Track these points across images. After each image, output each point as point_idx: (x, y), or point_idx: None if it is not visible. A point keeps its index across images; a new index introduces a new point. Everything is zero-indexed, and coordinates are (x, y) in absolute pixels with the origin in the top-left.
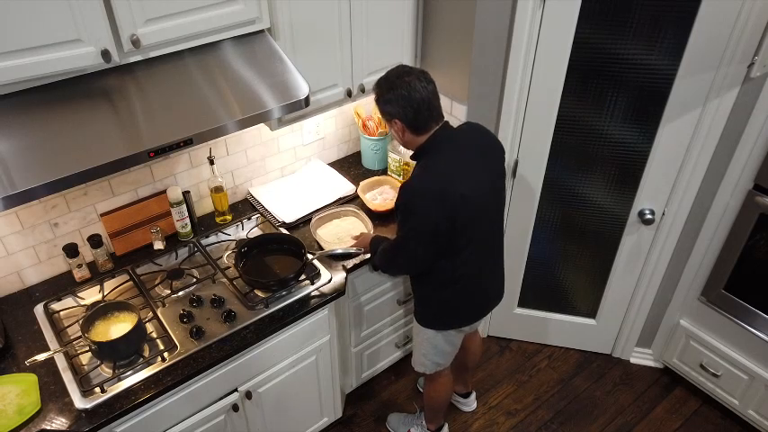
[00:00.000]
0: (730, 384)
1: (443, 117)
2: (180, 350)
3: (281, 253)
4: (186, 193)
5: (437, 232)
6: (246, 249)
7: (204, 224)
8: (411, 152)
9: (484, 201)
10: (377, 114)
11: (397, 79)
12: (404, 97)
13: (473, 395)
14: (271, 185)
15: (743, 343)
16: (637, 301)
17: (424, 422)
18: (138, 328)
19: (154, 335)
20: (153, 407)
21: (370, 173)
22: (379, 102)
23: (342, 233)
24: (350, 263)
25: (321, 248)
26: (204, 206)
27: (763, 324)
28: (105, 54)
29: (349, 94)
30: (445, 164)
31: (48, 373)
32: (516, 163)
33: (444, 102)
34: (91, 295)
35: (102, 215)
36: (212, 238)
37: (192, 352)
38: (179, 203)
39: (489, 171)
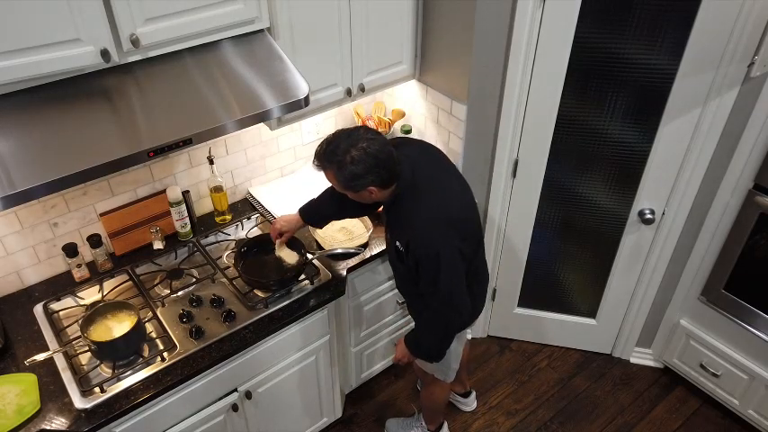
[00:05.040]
0: (730, 384)
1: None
2: (179, 350)
3: None
4: (186, 193)
5: (464, 257)
6: (246, 249)
7: (204, 224)
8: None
9: (473, 206)
10: (377, 114)
11: (352, 149)
12: (372, 163)
13: (473, 394)
14: (270, 185)
15: (743, 343)
16: (637, 301)
17: (423, 422)
18: (138, 328)
19: (153, 335)
20: (152, 407)
21: None
22: (342, 179)
23: (341, 233)
24: (350, 262)
25: (321, 248)
26: (204, 206)
27: (763, 324)
28: (105, 54)
29: (349, 93)
30: (430, 195)
31: (47, 373)
32: (516, 163)
33: (444, 101)
34: (90, 295)
35: (101, 215)
36: (212, 238)
37: (191, 352)
38: (178, 203)
39: (456, 178)
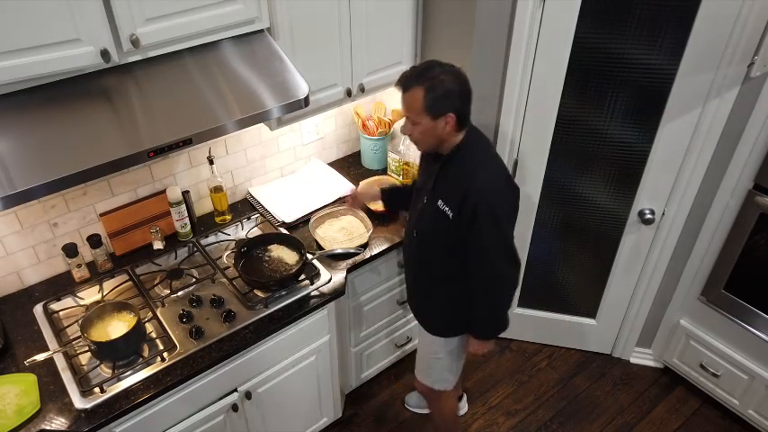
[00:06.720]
0: (730, 384)
1: None
2: (179, 350)
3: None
4: (186, 193)
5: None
6: (246, 249)
7: (204, 224)
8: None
9: None
10: (377, 114)
11: (445, 72)
12: (461, 89)
13: (464, 397)
14: (270, 185)
15: (743, 343)
16: (637, 301)
17: None
18: (138, 328)
19: (153, 335)
20: (152, 407)
21: (369, 173)
22: (430, 97)
23: (341, 233)
24: (350, 262)
25: (321, 248)
26: (204, 206)
27: (763, 324)
28: (105, 54)
29: (349, 93)
30: (491, 160)
31: (47, 374)
32: (516, 163)
33: None
34: (90, 295)
35: (101, 215)
36: (212, 238)
37: (191, 352)
38: (178, 203)
39: None
